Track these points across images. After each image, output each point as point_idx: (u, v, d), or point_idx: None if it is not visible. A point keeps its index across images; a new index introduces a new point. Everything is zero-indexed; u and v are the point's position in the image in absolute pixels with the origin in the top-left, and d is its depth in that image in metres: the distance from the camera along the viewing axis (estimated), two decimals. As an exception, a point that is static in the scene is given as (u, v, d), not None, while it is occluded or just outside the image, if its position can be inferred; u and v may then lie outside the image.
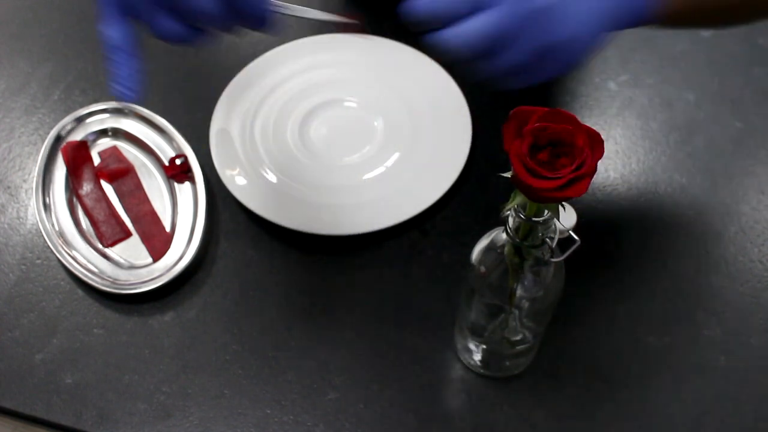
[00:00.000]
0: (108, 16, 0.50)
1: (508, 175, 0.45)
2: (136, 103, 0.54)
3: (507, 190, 0.47)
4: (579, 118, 0.43)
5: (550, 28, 0.44)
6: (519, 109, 0.44)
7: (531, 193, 0.43)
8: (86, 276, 0.68)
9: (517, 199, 0.46)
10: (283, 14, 0.50)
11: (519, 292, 0.54)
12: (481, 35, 0.43)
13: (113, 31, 0.50)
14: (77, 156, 0.75)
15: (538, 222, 0.47)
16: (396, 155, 0.76)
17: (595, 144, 0.42)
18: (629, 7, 0.48)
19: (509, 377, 0.64)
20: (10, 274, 0.70)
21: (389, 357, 0.65)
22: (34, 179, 0.73)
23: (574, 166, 0.42)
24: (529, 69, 0.47)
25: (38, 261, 0.71)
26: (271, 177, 0.74)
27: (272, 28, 0.49)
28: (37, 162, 0.75)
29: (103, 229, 0.72)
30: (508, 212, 0.48)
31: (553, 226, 0.48)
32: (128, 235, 0.72)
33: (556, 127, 0.42)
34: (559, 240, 0.49)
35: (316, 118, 0.79)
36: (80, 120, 0.77)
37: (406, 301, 0.68)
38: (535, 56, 0.45)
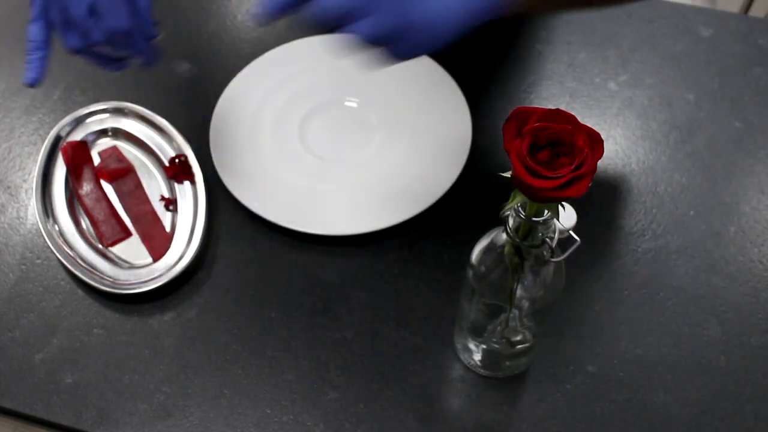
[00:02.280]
0: (33, 19, 0.60)
1: (508, 175, 0.45)
2: (34, 86, 0.62)
3: (507, 190, 0.47)
4: (579, 118, 0.43)
5: (409, 8, 0.48)
6: (519, 109, 0.44)
7: (531, 193, 0.43)
8: (86, 276, 0.68)
9: (517, 199, 0.46)
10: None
11: (519, 292, 0.54)
12: (337, 4, 0.48)
13: (34, 30, 0.60)
14: (77, 156, 0.75)
15: (538, 222, 0.47)
16: (396, 155, 0.76)
17: (594, 144, 0.42)
18: None
19: (509, 377, 0.64)
20: (10, 274, 0.70)
21: (389, 357, 0.65)
22: (34, 179, 0.73)
23: (573, 166, 0.42)
24: (388, 42, 0.50)
25: (38, 261, 0.71)
26: (271, 177, 0.74)
27: (155, 64, 0.64)
28: (37, 162, 0.75)
29: (103, 229, 0.72)
30: (508, 212, 0.48)
31: (553, 226, 0.48)
32: (128, 235, 0.72)
33: (556, 127, 0.42)
34: (559, 240, 0.49)
35: (316, 118, 0.79)
36: (80, 120, 0.77)
37: (406, 301, 0.68)
38: (392, 31, 0.49)
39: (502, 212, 0.48)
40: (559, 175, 0.42)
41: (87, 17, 0.57)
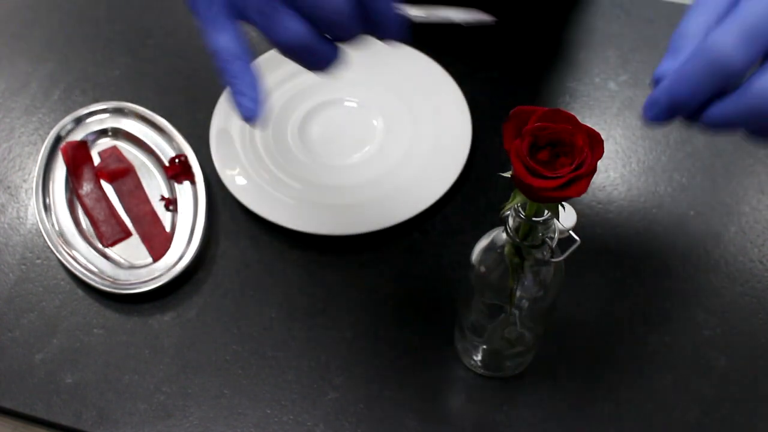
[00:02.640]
0: (213, 21, 0.43)
1: (508, 174, 0.45)
2: (255, 122, 0.45)
3: (507, 190, 0.47)
4: (579, 118, 0.43)
5: None
6: (519, 108, 0.44)
7: (531, 193, 0.43)
8: (86, 276, 0.68)
9: (517, 199, 0.46)
10: (417, 19, 0.43)
11: (519, 292, 0.54)
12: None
13: (224, 38, 0.43)
14: (77, 156, 0.75)
15: (538, 222, 0.47)
16: (396, 155, 0.76)
17: (594, 144, 0.42)
18: None
19: (509, 377, 0.64)
20: (10, 274, 0.70)
21: (389, 357, 0.65)
22: (34, 179, 0.73)
23: (573, 166, 0.42)
24: None
25: (38, 261, 0.71)
26: (271, 177, 0.74)
27: (402, 36, 0.44)
28: (37, 162, 0.75)
29: (103, 229, 0.72)
30: (508, 212, 0.48)
31: (553, 226, 0.48)
32: (128, 235, 0.72)
33: (556, 126, 0.42)
34: (559, 240, 0.49)
35: (316, 118, 0.79)
36: (80, 120, 0.77)
37: (406, 301, 0.68)
38: None
39: (502, 212, 0.48)
40: (559, 175, 0.42)
41: None
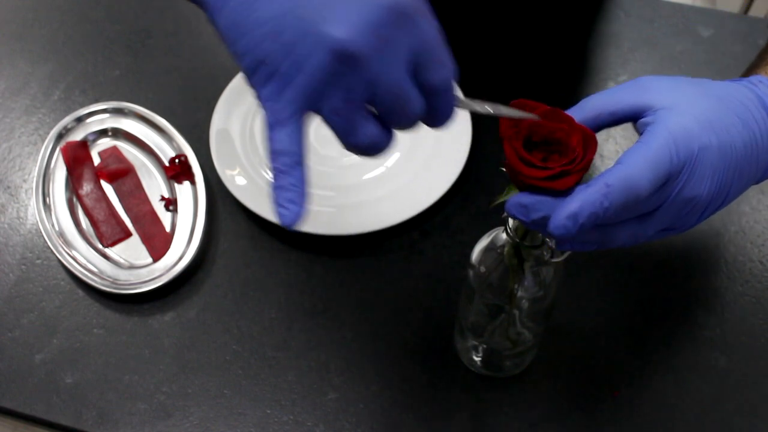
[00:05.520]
0: (281, 114, 0.41)
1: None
2: (292, 227, 0.42)
3: (507, 190, 0.47)
4: (579, 119, 0.43)
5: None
6: (522, 100, 0.44)
7: (519, 180, 0.43)
8: (86, 276, 0.68)
9: (511, 194, 0.46)
10: (465, 109, 0.45)
11: (519, 292, 0.54)
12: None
13: (284, 134, 0.41)
14: (77, 156, 0.75)
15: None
16: (396, 155, 0.76)
17: (588, 143, 0.43)
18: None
19: (509, 377, 0.64)
20: (10, 274, 0.70)
21: (389, 357, 0.65)
22: (34, 179, 0.73)
23: (566, 161, 0.42)
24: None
25: (38, 261, 0.71)
26: (271, 177, 0.74)
27: (447, 124, 0.45)
28: (37, 162, 0.75)
29: (103, 229, 0.72)
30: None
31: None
32: (128, 235, 0.72)
33: (552, 125, 0.43)
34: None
35: (315, 118, 0.78)
36: (80, 120, 0.77)
37: (406, 301, 0.68)
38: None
39: (492, 203, 0.48)
40: (549, 166, 0.42)
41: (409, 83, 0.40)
